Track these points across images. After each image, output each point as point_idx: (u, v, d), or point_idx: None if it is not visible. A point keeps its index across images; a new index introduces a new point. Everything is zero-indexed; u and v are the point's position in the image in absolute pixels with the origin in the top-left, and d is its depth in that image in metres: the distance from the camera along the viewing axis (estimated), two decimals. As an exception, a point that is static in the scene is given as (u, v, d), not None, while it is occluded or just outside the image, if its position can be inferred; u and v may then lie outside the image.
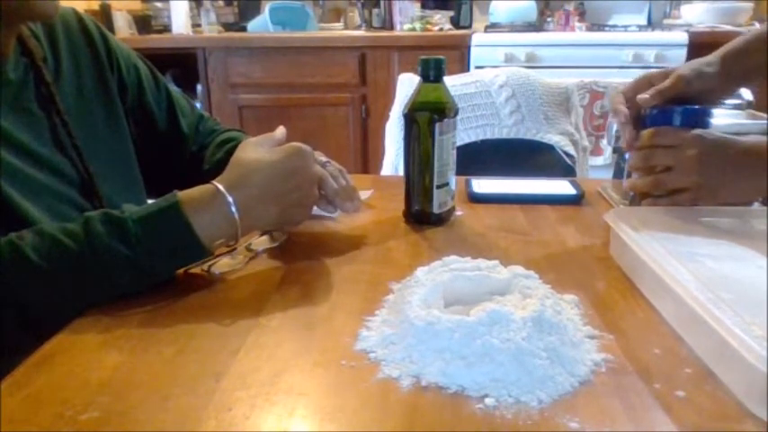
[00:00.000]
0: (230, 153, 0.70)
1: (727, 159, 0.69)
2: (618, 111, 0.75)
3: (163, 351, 0.51)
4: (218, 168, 0.73)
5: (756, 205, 0.83)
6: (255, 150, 0.68)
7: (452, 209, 0.82)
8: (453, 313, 0.49)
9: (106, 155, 0.78)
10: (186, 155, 0.90)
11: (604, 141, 2.03)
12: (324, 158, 0.80)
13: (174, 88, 0.92)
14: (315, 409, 0.43)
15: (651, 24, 2.67)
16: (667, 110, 0.73)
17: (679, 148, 0.70)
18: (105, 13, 2.65)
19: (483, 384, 0.44)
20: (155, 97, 0.86)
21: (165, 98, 0.88)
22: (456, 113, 0.77)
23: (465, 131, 1.41)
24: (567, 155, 1.41)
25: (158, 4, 2.90)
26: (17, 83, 0.70)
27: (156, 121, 0.86)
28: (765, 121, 0.81)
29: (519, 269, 0.57)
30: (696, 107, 0.73)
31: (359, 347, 0.50)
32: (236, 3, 3.01)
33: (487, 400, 0.43)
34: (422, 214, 0.80)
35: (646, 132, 0.73)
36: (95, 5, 2.67)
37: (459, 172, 0.81)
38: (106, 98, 0.80)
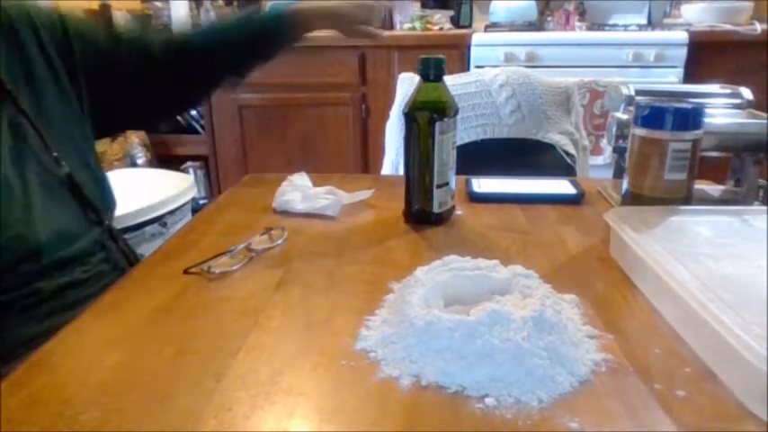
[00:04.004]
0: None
1: None
2: None
3: (163, 351, 0.51)
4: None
5: (757, 204, 0.83)
6: None
7: (452, 208, 0.82)
8: (453, 313, 0.49)
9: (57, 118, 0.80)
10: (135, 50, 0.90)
11: (604, 141, 2.03)
12: None
13: None
14: (315, 409, 0.43)
15: (651, 24, 2.67)
16: (659, 110, 0.73)
17: None
18: (105, 13, 2.65)
19: (483, 384, 0.44)
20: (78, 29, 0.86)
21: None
22: (456, 113, 0.77)
23: (465, 131, 1.41)
24: (568, 154, 1.41)
25: (158, 4, 2.89)
26: None
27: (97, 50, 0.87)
28: (765, 121, 0.81)
29: (519, 269, 0.57)
30: (688, 107, 0.73)
31: (359, 347, 0.50)
32: (236, 3, 3.01)
33: (487, 400, 0.43)
34: (422, 214, 0.80)
35: None
36: (95, 5, 2.66)
37: (459, 171, 0.81)
38: (54, 76, 0.81)
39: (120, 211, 0.91)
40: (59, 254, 0.73)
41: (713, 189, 0.90)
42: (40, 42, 0.80)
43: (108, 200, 0.86)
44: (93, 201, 0.80)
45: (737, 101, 0.90)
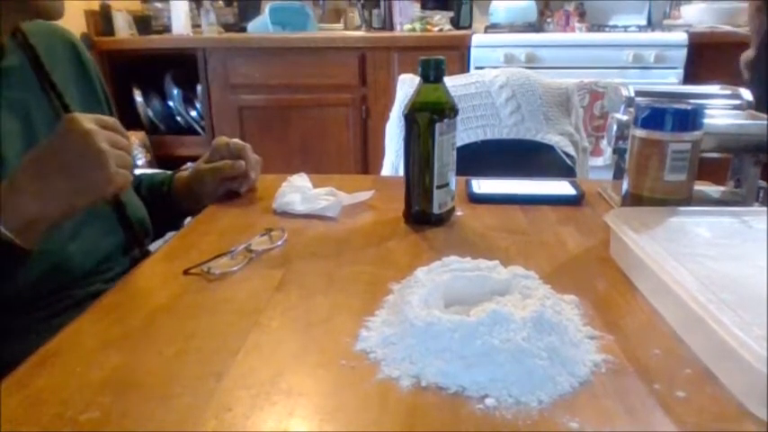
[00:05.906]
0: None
1: None
2: None
3: (163, 351, 0.51)
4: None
5: (756, 205, 0.83)
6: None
7: (452, 209, 0.82)
8: (453, 313, 0.49)
9: None
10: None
11: (604, 142, 2.03)
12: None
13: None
14: (314, 409, 0.43)
15: (651, 25, 2.67)
16: (659, 111, 0.73)
17: None
18: (105, 14, 2.65)
19: (483, 384, 0.44)
20: None
21: None
22: (456, 114, 0.77)
23: (465, 132, 1.41)
24: (567, 155, 1.41)
25: (158, 5, 2.90)
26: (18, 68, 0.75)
27: None
28: (765, 122, 0.81)
29: (519, 269, 0.57)
30: (688, 108, 0.73)
31: (359, 348, 0.50)
32: (236, 3, 3.01)
33: (487, 401, 0.43)
34: (422, 214, 0.80)
35: None
36: (95, 5, 2.66)
37: (459, 172, 0.81)
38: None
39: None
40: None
41: (713, 190, 0.90)
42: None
43: (148, 224, 0.89)
44: (135, 226, 0.83)
45: (737, 102, 0.90)
